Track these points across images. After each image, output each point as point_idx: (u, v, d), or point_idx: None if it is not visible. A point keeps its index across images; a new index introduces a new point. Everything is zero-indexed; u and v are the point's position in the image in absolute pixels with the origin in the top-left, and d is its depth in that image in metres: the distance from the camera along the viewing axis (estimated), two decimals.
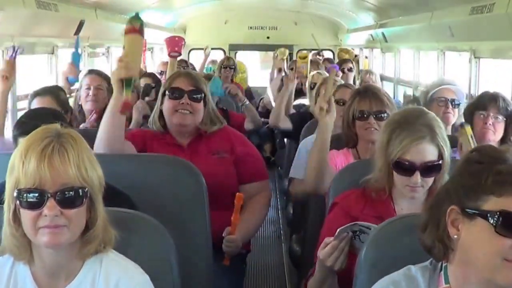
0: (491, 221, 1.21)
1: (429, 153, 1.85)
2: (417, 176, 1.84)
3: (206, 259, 2.13)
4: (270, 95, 4.09)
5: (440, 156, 1.86)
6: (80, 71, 3.19)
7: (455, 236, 1.28)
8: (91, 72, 3.45)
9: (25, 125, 2.04)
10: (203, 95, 2.50)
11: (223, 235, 2.34)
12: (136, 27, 2.21)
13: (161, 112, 2.52)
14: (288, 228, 4.37)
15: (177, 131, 2.51)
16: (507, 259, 1.20)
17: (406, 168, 1.85)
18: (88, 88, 3.29)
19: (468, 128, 2.42)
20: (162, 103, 2.52)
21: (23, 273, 1.42)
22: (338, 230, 1.76)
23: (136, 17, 2.27)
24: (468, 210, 1.25)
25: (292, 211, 3.80)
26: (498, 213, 1.21)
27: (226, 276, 2.39)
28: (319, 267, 1.81)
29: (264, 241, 4.82)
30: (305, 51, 4.84)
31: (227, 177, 2.46)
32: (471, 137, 2.39)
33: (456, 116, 3.04)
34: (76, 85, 3.50)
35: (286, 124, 4.04)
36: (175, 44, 4.45)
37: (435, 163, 1.85)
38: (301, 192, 2.76)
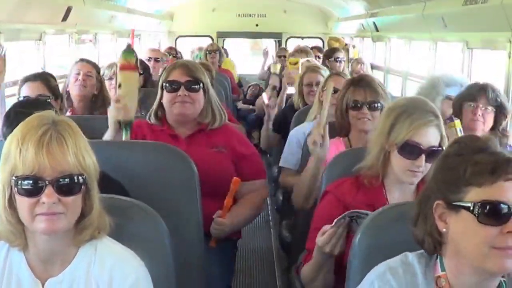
0: (474, 212, 1.23)
1: (435, 138, 1.87)
2: (422, 160, 1.86)
3: (198, 245, 2.13)
4: (265, 98, 4.14)
5: (440, 144, 1.89)
6: None
7: (444, 230, 1.30)
8: (82, 60, 3.45)
9: (14, 124, 1.96)
10: (201, 84, 2.44)
11: (213, 216, 2.33)
12: (131, 63, 2.16)
13: (159, 104, 2.48)
14: (277, 214, 4.40)
15: (177, 121, 2.47)
16: (495, 247, 1.22)
17: (412, 151, 1.86)
18: (78, 74, 3.28)
19: (457, 122, 2.42)
20: (161, 96, 2.47)
21: (18, 259, 1.42)
22: (335, 221, 1.77)
23: (129, 50, 2.19)
24: (452, 203, 1.27)
25: (282, 198, 3.81)
26: (479, 203, 1.22)
27: (218, 261, 2.40)
28: (317, 253, 1.83)
29: (254, 227, 4.86)
30: (293, 58, 4.69)
31: (224, 170, 2.41)
32: (460, 131, 2.40)
33: None
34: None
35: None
36: None
37: (438, 148, 1.87)
38: (290, 186, 2.79)
